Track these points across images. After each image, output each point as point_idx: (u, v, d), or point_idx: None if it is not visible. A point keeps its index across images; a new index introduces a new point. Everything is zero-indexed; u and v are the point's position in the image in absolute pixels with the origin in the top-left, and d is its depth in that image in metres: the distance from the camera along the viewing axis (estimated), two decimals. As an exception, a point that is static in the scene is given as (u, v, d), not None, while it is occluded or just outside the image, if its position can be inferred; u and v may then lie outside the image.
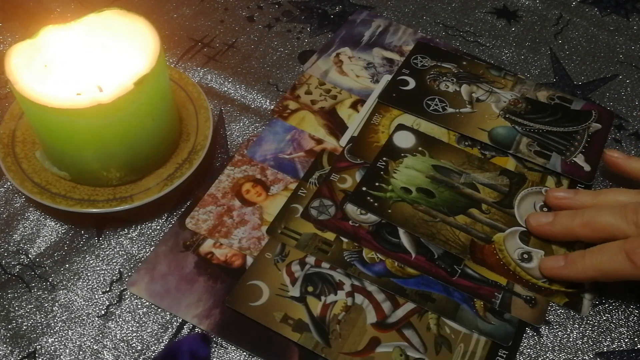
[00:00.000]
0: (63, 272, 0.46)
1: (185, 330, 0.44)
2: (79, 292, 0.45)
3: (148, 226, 0.48)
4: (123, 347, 0.43)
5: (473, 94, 0.56)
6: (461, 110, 0.55)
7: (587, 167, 0.52)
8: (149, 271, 0.46)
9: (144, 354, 0.43)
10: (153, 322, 0.44)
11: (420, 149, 0.52)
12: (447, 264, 0.46)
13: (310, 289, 0.45)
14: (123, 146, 0.45)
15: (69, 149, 0.44)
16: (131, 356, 0.43)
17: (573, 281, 0.45)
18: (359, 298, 0.45)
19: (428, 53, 0.59)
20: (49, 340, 0.43)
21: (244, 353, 0.43)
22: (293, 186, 0.50)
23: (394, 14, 0.62)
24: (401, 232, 0.48)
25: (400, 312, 0.44)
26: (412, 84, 0.57)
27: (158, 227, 0.48)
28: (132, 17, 0.45)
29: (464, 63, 0.58)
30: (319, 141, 0.53)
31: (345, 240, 0.47)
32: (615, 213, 0.44)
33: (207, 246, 0.47)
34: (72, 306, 0.44)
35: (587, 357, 0.44)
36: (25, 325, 0.43)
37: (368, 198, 0.49)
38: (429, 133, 0.53)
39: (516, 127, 0.54)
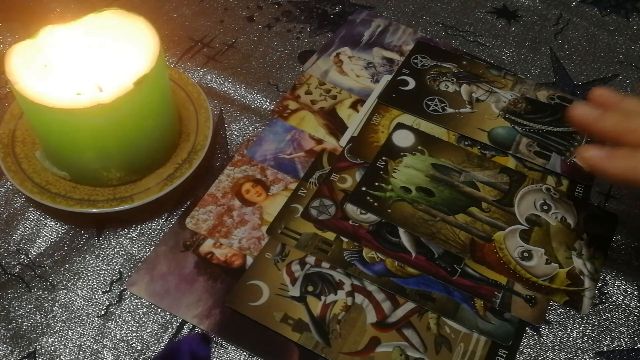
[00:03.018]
0: (63, 272, 0.46)
1: (185, 330, 0.44)
2: (79, 292, 0.45)
3: (148, 226, 0.48)
4: (123, 347, 0.43)
5: (473, 94, 0.56)
6: (461, 110, 0.55)
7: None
8: (149, 271, 0.46)
9: (144, 354, 0.43)
10: (153, 322, 0.44)
11: (419, 147, 0.52)
12: (447, 264, 0.46)
13: (310, 288, 0.45)
14: (123, 146, 0.45)
15: (69, 149, 0.44)
16: (131, 356, 0.43)
17: (609, 177, 0.40)
18: (359, 298, 0.45)
19: (428, 53, 0.59)
20: (49, 340, 0.43)
21: (244, 353, 0.43)
22: (293, 186, 0.50)
23: (394, 14, 0.62)
24: (401, 231, 0.48)
25: (400, 312, 0.44)
26: (412, 84, 0.56)
27: (158, 227, 0.48)
28: (132, 17, 0.45)
29: (464, 63, 0.58)
30: (319, 141, 0.53)
31: (345, 239, 0.47)
32: None
33: (207, 246, 0.47)
34: (72, 306, 0.44)
35: (587, 357, 0.44)
36: (25, 325, 0.43)
37: (368, 198, 0.49)
38: (428, 132, 0.53)
39: (516, 127, 0.54)
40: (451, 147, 0.52)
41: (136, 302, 0.45)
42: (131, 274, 0.46)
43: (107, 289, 0.45)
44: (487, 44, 0.61)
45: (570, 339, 0.44)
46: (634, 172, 0.39)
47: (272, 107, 0.55)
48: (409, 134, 0.53)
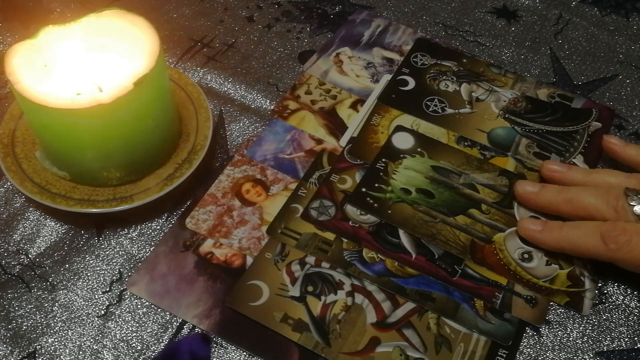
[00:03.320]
0: (63, 272, 0.46)
1: (185, 330, 0.44)
2: (79, 292, 0.45)
3: (148, 226, 0.48)
4: (123, 347, 0.43)
5: (473, 94, 0.56)
6: (460, 110, 0.55)
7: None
8: (149, 271, 0.46)
9: (144, 354, 0.43)
10: (153, 322, 0.44)
11: (419, 149, 0.52)
12: (447, 264, 0.46)
13: (310, 288, 0.45)
14: (123, 146, 0.45)
15: (69, 149, 0.44)
16: (131, 356, 0.43)
17: (544, 248, 0.46)
18: (359, 298, 0.45)
19: (428, 51, 0.59)
20: (49, 340, 0.43)
21: (244, 353, 0.43)
22: (293, 186, 0.50)
23: (394, 14, 0.62)
24: (401, 232, 0.48)
25: (400, 312, 0.44)
26: (412, 83, 0.56)
27: (158, 227, 0.48)
28: (132, 17, 0.45)
29: (464, 60, 0.58)
30: (319, 141, 0.53)
31: (345, 240, 0.47)
32: (598, 195, 0.45)
33: (207, 246, 0.47)
34: (72, 306, 0.44)
35: (587, 357, 0.44)
36: (25, 325, 0.44)
37: (368, 199, 0.49)
38: (428, 134, 0.53)
39: (515, 127, 0.54)
40: (450, 149, 0.52)
41: (136, 302, 0.45)
42: (131, 274, 0.46)
43: (107, 289, 0.45)
44: (487, 44, 0.61)
45: (570, 339, 0.44)
46: (563, 243, 0.45)
47: (272, 107, 0.55)
48: (408, 136, 0.53)
